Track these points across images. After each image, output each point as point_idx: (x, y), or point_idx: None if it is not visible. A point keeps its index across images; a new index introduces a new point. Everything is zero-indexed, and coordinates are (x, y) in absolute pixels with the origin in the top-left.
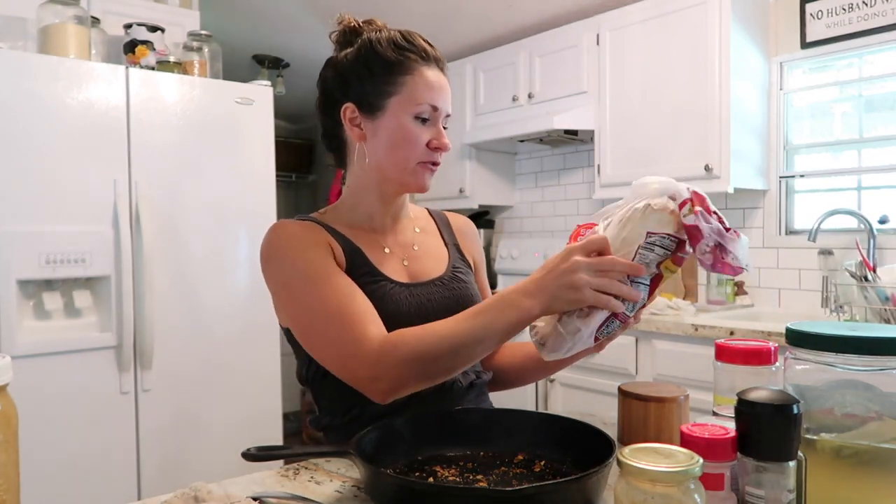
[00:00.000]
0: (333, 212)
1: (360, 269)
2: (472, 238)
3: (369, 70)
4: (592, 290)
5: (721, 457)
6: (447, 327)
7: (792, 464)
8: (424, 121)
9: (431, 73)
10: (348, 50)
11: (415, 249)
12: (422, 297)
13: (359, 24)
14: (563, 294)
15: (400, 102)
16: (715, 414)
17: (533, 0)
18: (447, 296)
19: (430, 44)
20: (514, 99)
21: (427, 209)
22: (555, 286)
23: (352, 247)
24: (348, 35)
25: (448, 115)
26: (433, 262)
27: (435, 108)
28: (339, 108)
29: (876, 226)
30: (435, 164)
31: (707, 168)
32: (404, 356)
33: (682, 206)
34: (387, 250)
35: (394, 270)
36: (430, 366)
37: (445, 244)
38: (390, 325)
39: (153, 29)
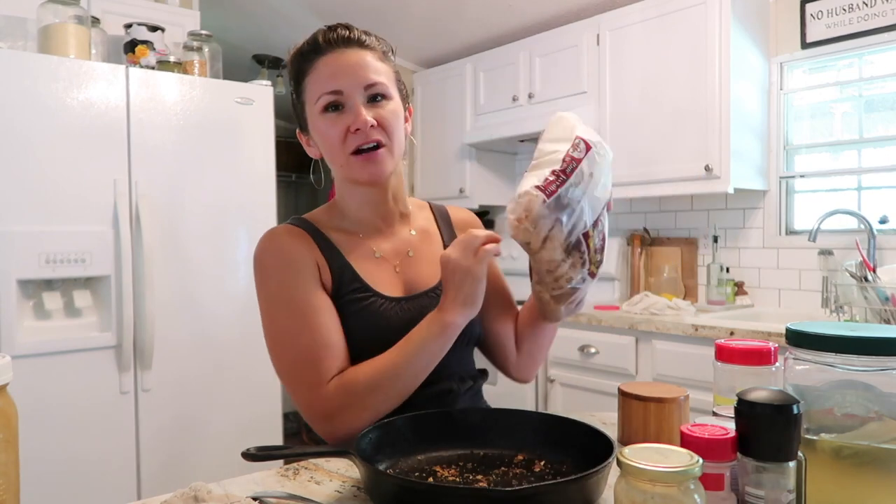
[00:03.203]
0: (329, 213)
1: (349, 286)
2: (472, 227)
3: (291, 92)
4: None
5: (721, 457)
6: (390, 361)
7: (792, 464)
8: (336, 109)
9: (327, 59)
10: None
11: (409, 255)
12: (413, 311)
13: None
14: (474, 295)
15: (309, 107)
16: (715, 414)
17: (533, 0)
18: None
19: (337, 27)
20: (514, 99)
21: (429, 203)
22: (456, 282)
23: (341, 262)
24: None
25: (371, 85)
26: (428, 268)
27: (338, 92)
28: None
29: (876, 226)
30: (367, 149)
31: (707, 168)
32: (355, 395)
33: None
34: (378, 255)
35: (385, 281)
36: (380, 403)
37: (444, 246)
38: (381, 341)
39: (153, 29)
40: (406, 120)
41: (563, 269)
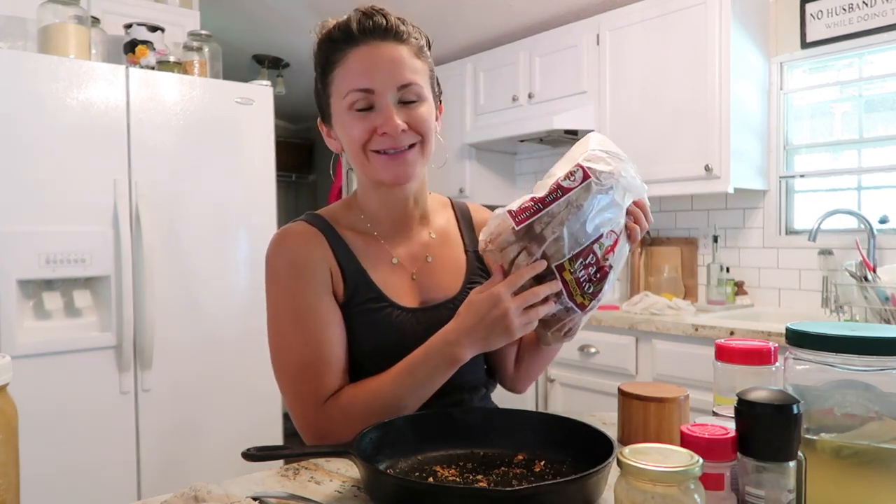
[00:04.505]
0: (346, 209)
1: (363, 295)
2: None
3: (316, 79)
4: (522, 325)
5: (721, 457)
6: (388, 389)
7: (792, 464)
8: (366, 107)
9: (359, 53)
10: None
11: (428, 261)
12: (429, 323)
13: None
14: (496, 338)
15: (336, 101)
16: (715, 414)
17: (533, 0)
18: None
19: (373, 14)
20: (514, 99)
21: (451, 200)
22: (487, 332)
23: (355, 267)
24: None
25: (406, 85)
26: (446, 276)
27: (368, 91)
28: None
29: (876, 226)
30: (395, 151)
31: (707, 168)
32: (352, 424)
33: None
34: (395, 261)
35: (401, 290)
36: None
37: (465, 251)
38: (394, 353)
39: (153, 29)
40: (436, 119)
41: None
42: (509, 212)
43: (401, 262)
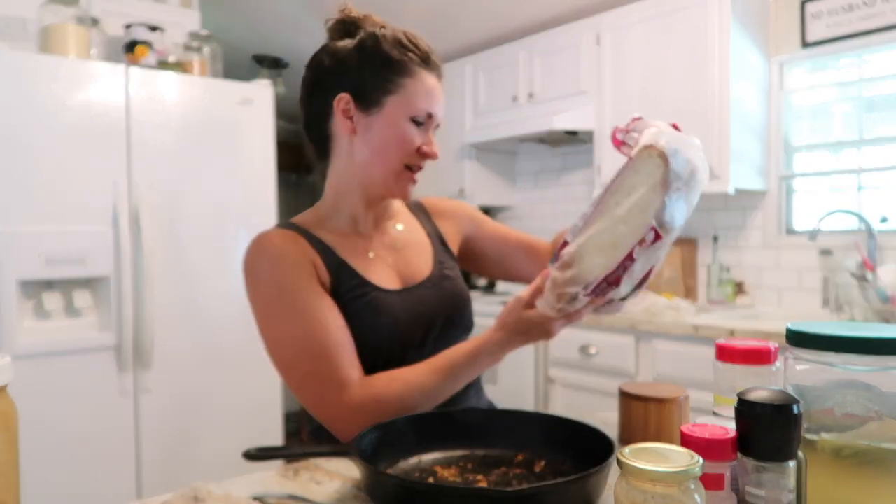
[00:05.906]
0: (315, 214)
1: (349, 284)
2: (450, 212)
3: (371, 64)
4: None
5: (721, 457)
6: (428, 384)
7: (792, 464)
8: (419, 125)
9: (431, 80)
10: (348, 41)
11: (398, 249)
12: (415, 301)
13: (360, 17)
14: (533, 342)
15: (398, 103)
16: (715, 414)
17: (533, 0)
18: (439, 296)
19: (431, 49)
20: (514, 99)
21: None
22: (529, 342)
23: (336, 260)
24: (348, 25)
25: (438, 126)
26: (419, 259)
27: (430, 116)
28: (332, 97)
29: (876, 226)
30: (419, 170)
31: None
32: (385, 412)
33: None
34: (372, 254)
35: (382, 277)
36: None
37: (428, 236)
38: (390, 335)
39: (153, 29)
40: None
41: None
42: (586, 292)
43: (377, 255)
